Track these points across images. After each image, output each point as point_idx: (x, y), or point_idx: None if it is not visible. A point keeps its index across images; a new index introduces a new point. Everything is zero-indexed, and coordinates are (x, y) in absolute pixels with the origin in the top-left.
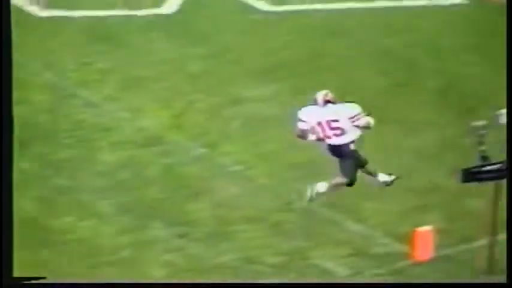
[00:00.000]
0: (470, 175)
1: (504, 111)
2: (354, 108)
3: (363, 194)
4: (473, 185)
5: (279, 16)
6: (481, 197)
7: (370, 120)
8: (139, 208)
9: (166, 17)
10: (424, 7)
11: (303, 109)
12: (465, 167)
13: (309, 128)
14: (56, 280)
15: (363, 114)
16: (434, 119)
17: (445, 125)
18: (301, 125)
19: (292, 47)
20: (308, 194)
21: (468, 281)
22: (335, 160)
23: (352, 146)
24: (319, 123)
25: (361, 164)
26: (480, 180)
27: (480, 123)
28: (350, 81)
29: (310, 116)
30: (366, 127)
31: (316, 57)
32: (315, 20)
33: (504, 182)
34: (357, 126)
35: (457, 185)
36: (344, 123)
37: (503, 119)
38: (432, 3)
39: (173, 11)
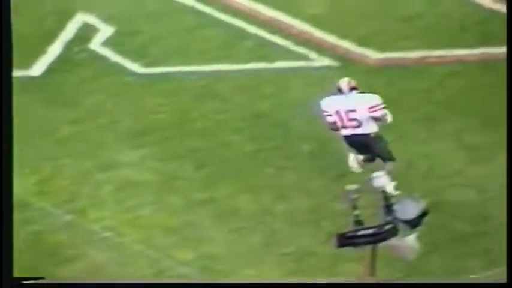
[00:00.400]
0: (345, 240)
1: (376, 174)
2: (374, 99)
3: (239, 259)
4: (348, 249)
5: (152, 78)
6: (357, 262)
7: (388, 114)
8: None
9: (35, 79)
10: (295, 69)
11: (325, 99)
12: (339, 232)
13: (336, 120)
14: (56, 280)
15: (381, 106)
16: (307, 184)
17: (317, 190)
18: (328, 118)
19: (164, 110)
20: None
21: (468, 281)
22: (207, 225)
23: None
24: (337, 112)
25: (387, 157)
26: (355, 245)
27: (353, 187)
28: (221, 145)
29: (330, 106)
30: (383, 120)
31: (188, 121)
32: (188, 82)
33: (379, 246)
34: (374, 118)
35: (332, 250)
36: (361, 114)
37: (376, 182)
38: (303, 65)
39: (42, 72)
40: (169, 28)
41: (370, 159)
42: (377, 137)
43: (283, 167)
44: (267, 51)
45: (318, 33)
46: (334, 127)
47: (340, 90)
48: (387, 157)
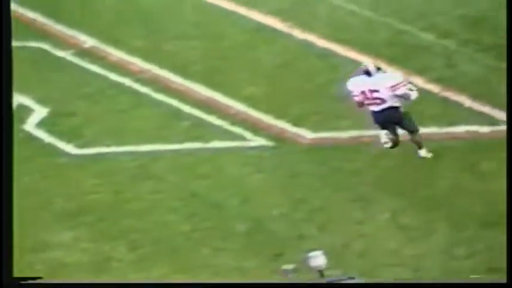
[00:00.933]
0: None
1: (313, 253)
2: (397, 77)
3: None
4: None
5: (86, 159)
6: None
7: (412, 92)
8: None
9: None
10: (231, 149)
11: (351, 80)
12: None
13: (362, 100)
14: (56, 280)
15: (404, 84)
16: (243, 264)
17: (253, 269)
18: (355, 98)
19: (99, 191)
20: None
21: (468, 281)
22: None
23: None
24: (363, 92)
25: (410, 129)
26: None
27: (289, 267)
28: (156, 225)
29: (356, 86)
30: (405, 97)
31: (123, 201)
32: (123, 163)
33: None
34: (397, 96)
35: None
36: (384, 93)
37: (312, 262)
38: (239, 145)
39: None
40: (104, 109)
41: (393, 135)
42: (403, 113)
43: (219, 247)
44: (203, 131)
45: (254, 113)
46: (361, 105)
47: (367, 72)
48: (414, 129)
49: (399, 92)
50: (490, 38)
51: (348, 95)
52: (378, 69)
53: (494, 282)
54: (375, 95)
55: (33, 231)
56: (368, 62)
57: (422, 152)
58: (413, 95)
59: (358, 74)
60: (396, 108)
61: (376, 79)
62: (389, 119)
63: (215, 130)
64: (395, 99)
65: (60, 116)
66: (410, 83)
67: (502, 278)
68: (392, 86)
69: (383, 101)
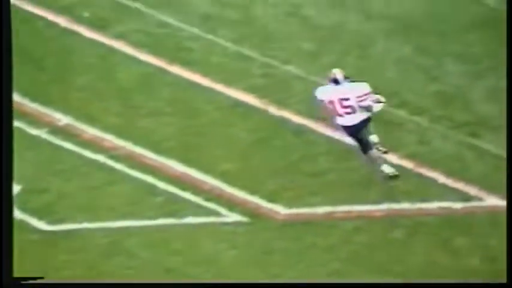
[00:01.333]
0: None
1: None
2: (363, 88)
3: None
4: None
5: (58, 236)
6: None
7: (375, 104)
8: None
9: None
10: (205, 225)
11: (319, 89)
12: None
13: (330, 109)
14: (55, 280)
15: (369, 95)
16: None
17: None
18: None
19: (70, 267)
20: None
21: (468, 281)
22: None
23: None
24: (331, 102)
25: (368, 148)
26: None
27: None
28: None
29: (324, 95)
30: (369, 110)
31: (95, 277)
32: (95, 239)
33: None
34: (361, 107)
35: None
36: (353, 102)
37: None
38: (213, 221)
39: None
40: (77, 185)
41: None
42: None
43: None
44: (177, 207)
45: (229, 189)
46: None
47: (335, 81)
48: (370, 147)
49: (363, 103)
50: (463, 115)
51: (322, 172)
52: (346, 77)
53: (494, 282)
54: (345, 103)
55: None
56: (336, 70)
57: (385, 168)
58: (377, 107)
59: (326, 83)
60: (368, 119)
61: (345, 88)
62: (360, 129)
63: (189, 206)
64: (362, 109)
65: (32, 193)
66: (377, 93)
67: (502, 278)
68: (358, 97)
69: (353, 109)
